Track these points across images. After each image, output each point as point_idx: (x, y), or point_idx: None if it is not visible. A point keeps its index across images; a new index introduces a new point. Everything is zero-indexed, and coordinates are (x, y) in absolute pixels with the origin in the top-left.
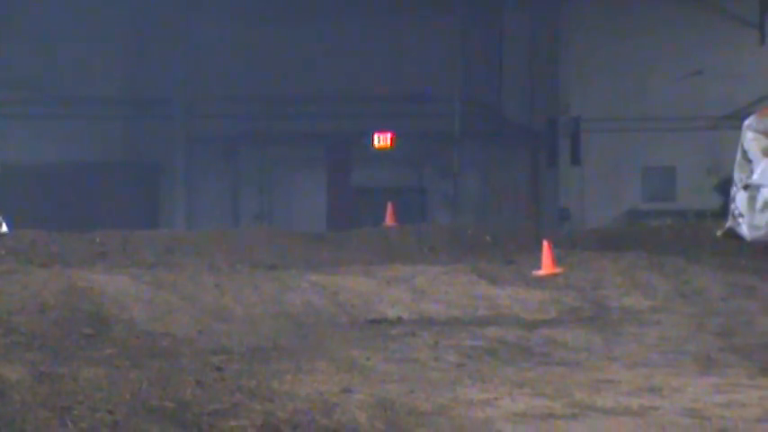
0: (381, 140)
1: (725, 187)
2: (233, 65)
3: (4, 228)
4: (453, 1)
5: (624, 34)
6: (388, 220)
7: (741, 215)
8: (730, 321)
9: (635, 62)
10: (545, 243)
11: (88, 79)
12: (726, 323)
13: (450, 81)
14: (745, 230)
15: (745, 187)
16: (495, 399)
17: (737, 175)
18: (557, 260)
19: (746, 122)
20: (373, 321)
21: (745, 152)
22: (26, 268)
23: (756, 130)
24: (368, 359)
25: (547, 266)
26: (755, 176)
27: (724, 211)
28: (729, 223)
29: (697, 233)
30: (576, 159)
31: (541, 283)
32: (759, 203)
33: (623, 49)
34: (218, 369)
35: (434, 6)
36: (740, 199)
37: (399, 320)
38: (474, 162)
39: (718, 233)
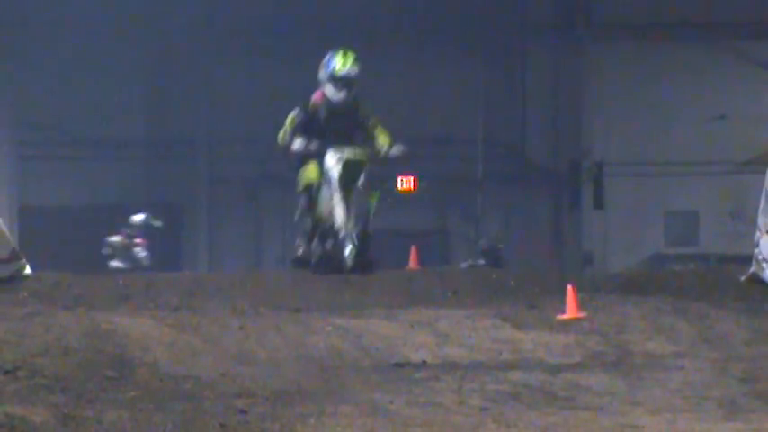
0: (404, 183)
1: None
2: (254, 107)
3: (28, 270)
4: (477, 44)
5: (647, 78)
6: (412, 264)
7: (765, 260)
8: (754, 366)
9: (658, 106)
10: (569, 287)
11: (110, 121)
12: (750, 368)
13: (473, 123)
14: None
15: None
16: None
17: (761, 220)
18: (580, 304)
19: None
20: (396, 365)
21: None
22: (49, 310)
23: None
24: (391, 402)
25: (571, 310)
26: None
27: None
28: (753, 268)
29: (720, 278)
30: (598, 203)
31: (565, 327)
32: None
33: (646, 92)
34: (242, 412)
35: (458, 49)
36: (764, 244)
37: (423, 364)
38: (497, 204)
39: (742, 278)
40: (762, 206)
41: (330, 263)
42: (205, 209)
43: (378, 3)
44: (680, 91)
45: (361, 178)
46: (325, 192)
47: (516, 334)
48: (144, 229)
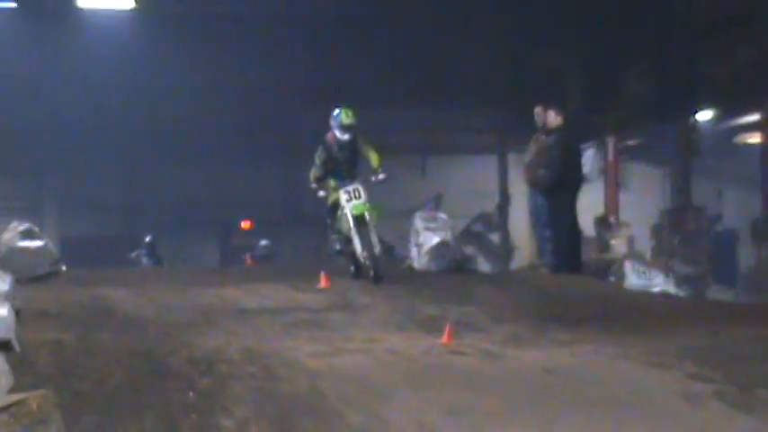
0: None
1: None
2: None
3: (63, 268)
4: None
5: None
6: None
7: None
8: (412, 304)
9: None
10: (323, 273)
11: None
12: (410, 305)
13: None
14: None
15: None
16: (299, 346)
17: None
18: (329, 280)
19: None
20: (240, 310)
21: None
22: (72, 286)
23: None
24: (238, 327)
25: (324, 283)
26: None
27: None
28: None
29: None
30: None
31: (321, 291)
32: None
33: None
34: (165, 333)
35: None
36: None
37: (253, 309)
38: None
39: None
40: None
41: (360, 274)
42: None
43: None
44: None
45: (366, 216)
46: (341, 213)
47: (297, 294)
48: (147, 246)
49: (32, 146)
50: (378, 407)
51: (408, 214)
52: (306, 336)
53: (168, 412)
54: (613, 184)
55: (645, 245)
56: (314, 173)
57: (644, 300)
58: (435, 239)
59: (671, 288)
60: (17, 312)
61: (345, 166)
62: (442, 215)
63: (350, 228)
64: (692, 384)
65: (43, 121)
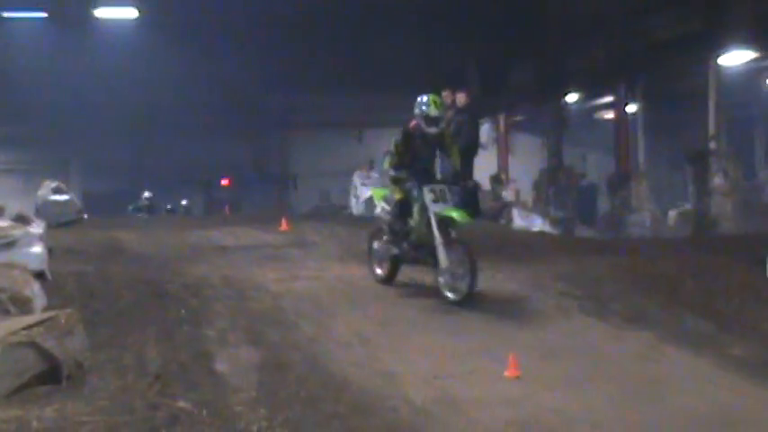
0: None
1: None
2: None
3: (85, 216)
4: None
5: None
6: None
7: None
8: (349, 242)
9: None
10: (283, 218)
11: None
12: (347, 244)
13: None
14: None
15: None
16: (266, 274)
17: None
18: (290, 224)
19: None
20: (220, 247)
21: None
22: (92, 230)
23: None
24: (219, 260)
25: (284, 226)
26: None
27: None
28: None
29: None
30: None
31: (283, 233)
32: None
33: None
34: (164, 264)
35: None
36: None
37: (229, 247)
38: None
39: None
40: None
41: (417, 262)
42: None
43: None
44: None
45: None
46: (416, 212)
47: (263, 235)
48: (148, 199)
49: (61, 122)
50: (326, 320)
51: (348, 174)
52: (270, 266)
53: (166, 325)
54: (504, 150)
55: (528, 195)
56: (389, 160)
57: (526, 237)
58: (369, 192)
59: (547, 228)
60: (49, 250)
61: (426, 163)
62: (375, 174)
63: (431, 233)
64: (563, 300)
65: (69, 103)
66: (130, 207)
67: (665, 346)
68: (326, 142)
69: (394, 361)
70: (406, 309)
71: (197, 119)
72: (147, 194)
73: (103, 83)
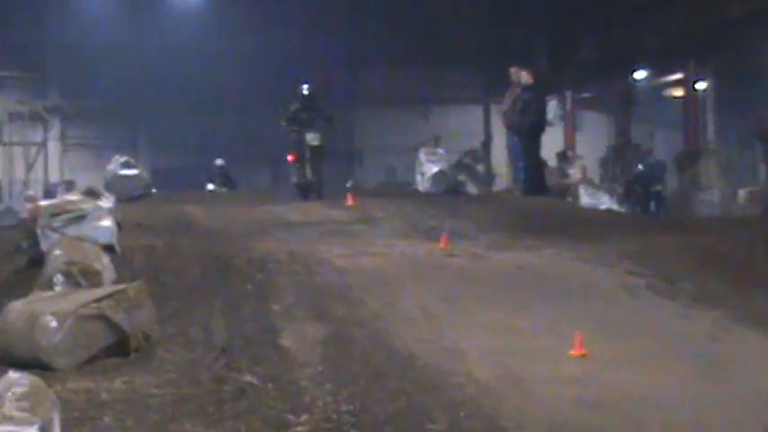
0: None
1: None
2: None
3: (154, 190)
4: None
5: None
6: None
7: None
8: (418, 222)
9: None
10: (349, 194)
11: None
12: (413, 223)
13: None
14: None
15: None
16: (331, 249)
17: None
18: (355, 200)
19: None
20: (286, 222)
21: None
22: (162, 204)
23: None
24: (285, 235)
25: (351, 202)
26: None
27: None
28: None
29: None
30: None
31: (349, 208)
32: None
33: None
34: (233, 239)
35: None
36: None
37: (297, 222)
38: None
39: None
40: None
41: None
42: None
43: None
44: None
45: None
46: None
47: (330, 211)
48: (221, 167)
49: (131, 98)
50: (391, 296)
51: (414, 150)
52: (336, 242)
53: (232, 299)
54: (571, 127)
55: (594, 172)
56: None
57: (593, 214)
58: (435, 169)
59: (614, 205)
60: (118, 224)
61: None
62: (441, 150)
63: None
64: (629, 279)
65: (138, 78)
66: (203, 177)
67: (734, 325)
68: (392, 119)
69: (459, 337)
70: (471, 285)
71: (263, 95)
72: (219, 162)
73: (173, 58)
